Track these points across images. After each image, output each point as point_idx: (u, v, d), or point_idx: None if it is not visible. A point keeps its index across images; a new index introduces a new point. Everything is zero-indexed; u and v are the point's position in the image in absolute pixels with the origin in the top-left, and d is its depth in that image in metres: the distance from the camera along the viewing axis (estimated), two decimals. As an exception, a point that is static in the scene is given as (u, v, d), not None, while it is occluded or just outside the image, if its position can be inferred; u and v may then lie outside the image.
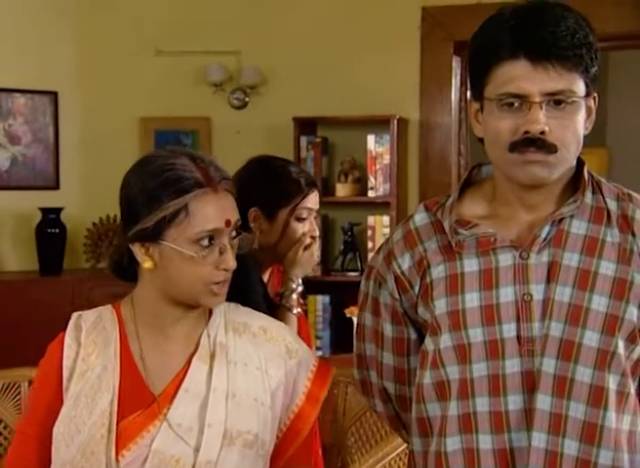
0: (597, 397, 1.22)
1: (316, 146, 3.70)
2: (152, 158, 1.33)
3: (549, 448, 1.22)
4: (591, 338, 1.23)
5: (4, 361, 2.74)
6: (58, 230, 3.71)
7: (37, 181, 3.87)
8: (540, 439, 1.22)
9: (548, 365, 1.23)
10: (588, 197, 1.29)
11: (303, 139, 3.70)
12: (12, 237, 3.82)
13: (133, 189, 1.30)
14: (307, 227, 1.82)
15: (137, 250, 1.30)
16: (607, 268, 1.24)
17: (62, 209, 3.74)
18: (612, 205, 1.29)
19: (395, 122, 3.59)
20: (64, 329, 1.42)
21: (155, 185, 1.27)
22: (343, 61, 3.79)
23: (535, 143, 1.21)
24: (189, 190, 1.26)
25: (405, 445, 2.02)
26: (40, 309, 3.51)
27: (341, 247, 3.75)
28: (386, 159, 3.62)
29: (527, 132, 1.21)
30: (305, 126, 3.77)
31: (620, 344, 1.23)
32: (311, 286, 3.76)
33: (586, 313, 1.23)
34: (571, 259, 1.25)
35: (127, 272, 1.37)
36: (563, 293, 1.24)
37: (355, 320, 3.68)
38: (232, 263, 1.30)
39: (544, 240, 1.27)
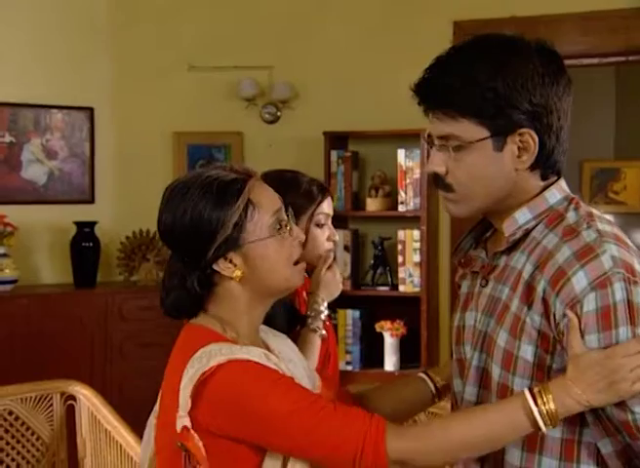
0: None
1: (346, 160, 3.71)
2: (184, 185, 1.33)
3: None
4: (495, 372, 1.26)
5: (39, 373, 2.80)
6: (92, 244, 3.77)
7: (73, 195, 3.95)
8: None
9: (471, 393, 1.32)
10: (538, 230, 1.27)
11: (334, 154, 3.70)
12: (48, 250, 3.90)
13: (187, 216, 1.30)
14: (327, 233, 1.86)
15: (222, 266, 1.31)
16: (514, 305, 1.24)
17: (97, 222, 3.80)
18: (549, 241, 1.24)
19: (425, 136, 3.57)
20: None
21: (212, 199, 1.29)
22: (374, 76, 3.80)
23: (436, 182, 1.30)
24: (243, 186, 1.31)
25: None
26: (74, 321, 3.57)
27: (372, 261, 3.73)
28: (417, 173, 3.60)
29: None
30: (336, 140, 3.77)
31: (517, 382, 1.23)
32: (342, 300, 3.72)
33: (494, 346, 1.26)
34: (502, 292, 1.28)
35: (195, 306, 1.34)
36: (481, 322, 1.30)
37: (385, 334, 3.67)
38: (302, 235, 1.38)
39: (496, 271, 1.31)
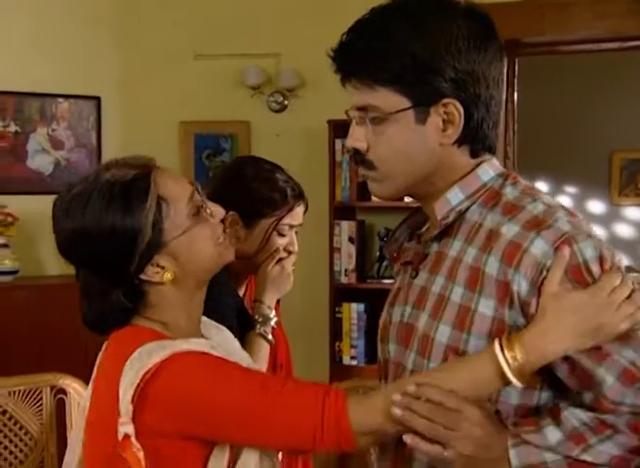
0: None
1: (352, 150, 3.61)
2: (82, 192, 1.22)
3: None
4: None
5: (36, 365, 2.76)
6: (95, 235, 3.73)
7: (80, 186, 3.92)
8: None
9: None
10: (474, 212, 1.15)
11: (339, 143, 3.60)
12: (52, 241, 3.85)
13: (94, 230, 1.19)
14: (287, 240, 1.68)
15: (149, 274, 1.21)
16: (457, 295, 1.12)
17: (100, 213, 3.76)
18: (490, 221, 1.13)
19: (433, 124, 3.46)
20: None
21: (119, 207, 1.18)
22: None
23: (356, 160, 1.17)
24: (148, 183, 1.20)
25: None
26: (74, 313, 3.52)
27: (378, 253, 3.64)
28: (424, 163, 3.49)
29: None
30: (342, 129, 3.66)
31: None
32: (346, 293, 3.70)
33: (431, 345, 1.14)
34: (436, 283, 1.16)
35: (125, 317, 1.25)
36: (419, 319, 1.17)
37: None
38: (220, 210, 1.27)
39: (428, 259, 1.20)
